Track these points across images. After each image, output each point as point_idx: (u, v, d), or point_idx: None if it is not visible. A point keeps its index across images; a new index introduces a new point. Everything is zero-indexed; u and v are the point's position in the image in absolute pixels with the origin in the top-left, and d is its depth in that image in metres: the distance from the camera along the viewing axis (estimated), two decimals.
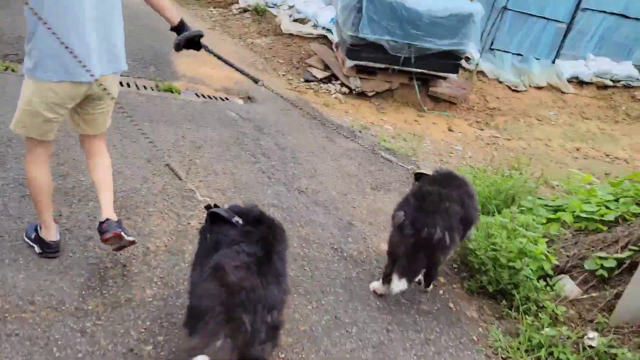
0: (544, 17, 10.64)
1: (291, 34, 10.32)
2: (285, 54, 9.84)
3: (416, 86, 8.71)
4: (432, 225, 3.08)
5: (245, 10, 12.09)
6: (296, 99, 8.02)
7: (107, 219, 2.89)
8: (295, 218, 4.43)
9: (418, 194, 3.27)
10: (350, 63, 8.46)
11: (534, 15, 10.60)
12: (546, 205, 4.61)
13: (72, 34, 2.56)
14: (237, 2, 12.63)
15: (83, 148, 3.12)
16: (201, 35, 3.07)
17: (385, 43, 8.12)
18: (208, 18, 11.83)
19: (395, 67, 8.51)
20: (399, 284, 3.16)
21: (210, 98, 7.45)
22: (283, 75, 9.07)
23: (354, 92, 8.59)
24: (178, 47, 3.04)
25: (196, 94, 7.50)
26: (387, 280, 3.36)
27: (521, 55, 10.90)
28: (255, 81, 3.52)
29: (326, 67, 9.10)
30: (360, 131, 7.18)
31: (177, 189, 4.36)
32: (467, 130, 8.42)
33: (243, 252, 2.21)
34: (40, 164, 2.82)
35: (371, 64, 8.52)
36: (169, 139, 5.39)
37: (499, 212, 4.37)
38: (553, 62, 11.01)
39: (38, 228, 3.03)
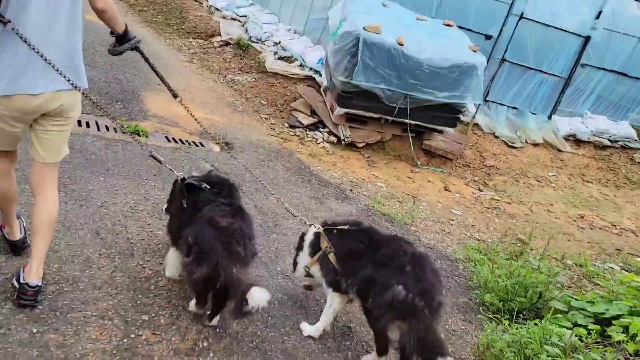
0: (542, 71, 10.17)
1: (276, 73, 9.55)
2: (268, 94, 9.04)
3: (411, 139, 7.97)
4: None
5: (226, 44, 11.31)
6: (279, 148, 7.18)
7: (28, 285, 2.76)
8: (280, 323, 3.47)
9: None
10: (340, 111, 7.70)
11: (532, 68, 10.11)
12: (582, 310, 3.80)
13: (21, 54, 2.57)
14: (219, 35, 11.86)
15: (31, 180, 2.92)
16: (139, 41, 3.20)
17: (380, 92, 7.40)
18: (186, 50, 11.00)
19: (389, 117, 7.78)
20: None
21: (183, 143, 6.54)
22: (266, 118, 8.23)
23: (343, 142, 7.80)
24: (115, 54, 3.19)
25: (167, 138, 6.58)
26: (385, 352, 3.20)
27: (516, 108, 10.36)
28: (175, 96, 3.68)
29: (313, 113, 8.32)
30: (351, 190, 6.35)
31: (130, 276, 3.40)
32: (464, 190, 7.69)
33: (222, 205, 3.08)
34: (2, 174, 2.88)
35: (363, 113, 7.78)
36: (126, 201, 4.43)
37: (523, 311, 3.54)
38: (549, 117, 10.50)
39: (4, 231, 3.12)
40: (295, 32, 11.34)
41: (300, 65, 9.84)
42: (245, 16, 12.75)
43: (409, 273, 2.90)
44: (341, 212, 5.55)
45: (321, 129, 8.13)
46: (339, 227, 3.30)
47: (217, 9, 13.82)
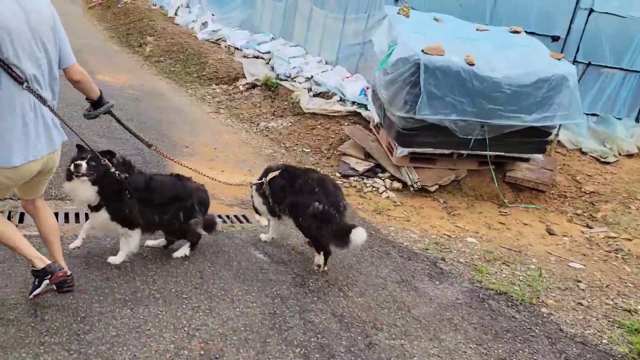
0: (622, 69, 8.64)
1: (314, 113, 8.28)
2: (310, 139, 7.76)
3: (493, 174, 6.54)
4: None
5: (253, 86, 10.16)
6: None
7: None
8: None
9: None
10: (402, 152, 6.34)
11: (610, 67, 8.60)
12: None
13: (19, 119, 2.76)
14: (243, 77, 10.73)
15: (27, 209, 3.30)
16: (112, 106, 3.37)
17: (451, 124, 6.04)
18: (211, 99, 9.89)
19: (464, 152, 6.38)
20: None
21: (224, 220, 5.28)
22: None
23: (411, 189, 6.41)
24: (90, 117, 3.37)
25: None
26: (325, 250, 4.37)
27: (597, 115, 8.83)
28: (149, 146, 3.81)
29: (367, 156, 6.99)
30: (442, 259, 4.95)
31: None
32: (571, 229, 6.19)
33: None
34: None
35: (431, 151, 6.40)
36: (163, 343, 3.14)
37: None
38: (637, 120, 8.91)
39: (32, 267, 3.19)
40: (327, 63, 10.11)
41: (341, 100, 8.56)
42: (269, 52, 11.63)
43: (319, 192, 4.11)
44: (443, 300, 4.14)
45: (380, 174, 6.78)
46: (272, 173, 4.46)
47: (237, 49, 12.78)
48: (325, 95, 8.86)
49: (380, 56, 6.58)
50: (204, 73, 11.35)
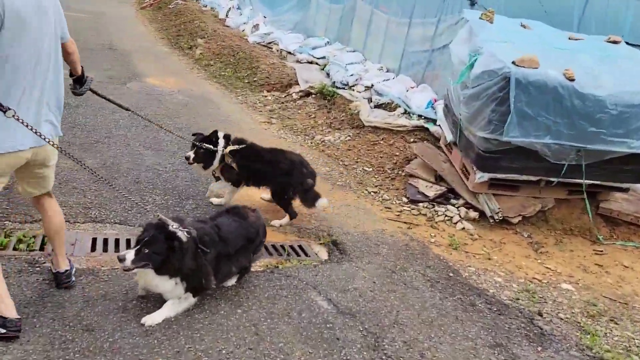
0: None
1: (376, 127, 7.54)
2: (371, 156, 7.03)
3: (588, 205, 5.64)
4: None
5: (307, 94, 9.51)
6: (407, 242, 5.11)
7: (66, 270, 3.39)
8: None
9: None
10: (482, 177, 5.53)
11: None
12: None
13: (22, 107, 2.80)
14: (297, 84, 10.11)
15: (36, 206, 3.39)
16: (92, 80, 3.64)
17: (543, 148, 5.20)
18: (262, 106, 9.30)
19: (554, 179, 5.51)
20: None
21: (279, 252, 4.63)
22: (375, 192, 6.21)
23: (492, 220, 5.59)
24: (78, 94, 3.61)
25: None
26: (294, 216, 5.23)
27: None
28: (127, 109, 4.17)
29: (438, 179, 6.20)
30: (539, 314, 4.13)
31: None
32: None
33: None
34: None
35: (516, 177, 5.57)
36: None
37: None
38: None
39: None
40: (388, 71, 9.37)
41: (405, 113, 7.79)
42: (324, 57, 10.99)
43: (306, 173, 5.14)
44: None
45: (453, 200, 5.99)
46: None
47: (290, 53, 12.20)
48: (387, 106, 8.12)
49: (459, 67, 5.79)
50: (255, 78, 10.80)
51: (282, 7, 14.74)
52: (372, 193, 6.20)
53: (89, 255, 4.01)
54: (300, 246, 4.89)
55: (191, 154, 4.96)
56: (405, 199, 6.07)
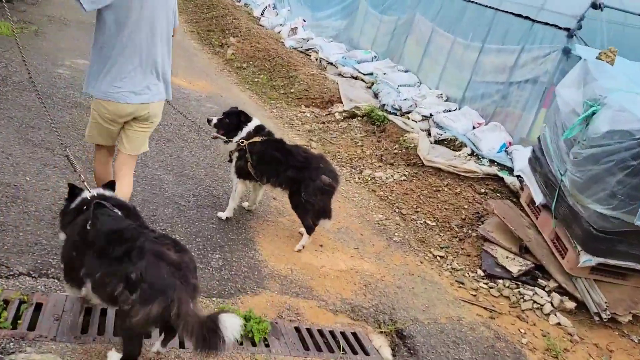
0: None
1: (439, 169, 6.34)
2: (433, 206, 5.83)
3: None
4: None
5: (352, 116, 8.34)
6: (490, 339, 3.90)
7: None
8: None
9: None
10: (589, 260, 4.32)
11: None
12: None
13: (129, 65, 3.19)
14: (339, 102, 8.94)
15: (115, 166, 3.60)
16: None
17: None
18: (299, 124, 8.13)
19: None
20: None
21: (329, 346, 3.45)
22: (442, 257, 5.01)
23: (597, 318, 4.36)
24: None
25: (297, 331, 3.54)
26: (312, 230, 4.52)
27: None
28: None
29: (523, 249, 4.98)
30: None
31: None
32: None
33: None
34: (102, 163, 3.62)
35: (632, 266, 4.34)
36: None
37: None
38: None
39: None
40: (448, 100, 8.17)
41: (473, 155, 6.58)
42: (371, 74, 9.80)
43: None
44: None
45: (541, 280, 4.77)
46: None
47: (331, 63, 11.04)
48: (450, 144, 6.92)
49: (569, 116, 4.58)
50: (292, 90, 9.64)
51: (324, 11, 13.61)
52: (438, 258, 5.00)
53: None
54: (355, 335, 3.71)
55: (215, 119, 4.54)
56: (480, 271, 4.85)
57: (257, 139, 4.37)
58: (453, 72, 8.22)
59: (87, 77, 3.27)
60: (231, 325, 2.40)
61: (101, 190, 3.04)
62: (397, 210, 5.75)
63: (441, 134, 7.02)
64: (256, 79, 10.32)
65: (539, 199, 5.11)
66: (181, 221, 4.40)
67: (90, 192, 2.95)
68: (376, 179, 6.41)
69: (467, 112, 7.34)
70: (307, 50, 12.40)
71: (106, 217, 2.73)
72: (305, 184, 4.20)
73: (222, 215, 4.56)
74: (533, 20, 6.71)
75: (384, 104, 8.38)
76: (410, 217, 5.63)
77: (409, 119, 7.70)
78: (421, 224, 5.54)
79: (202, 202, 4.80)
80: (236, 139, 4.42)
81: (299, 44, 12.77)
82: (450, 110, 7.63)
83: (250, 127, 4.45)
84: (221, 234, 4.40)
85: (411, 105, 7.98)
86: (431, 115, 7.56)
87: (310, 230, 4.41)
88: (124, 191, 3.42)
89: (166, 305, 2.39)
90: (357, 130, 7.90)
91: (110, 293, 2.50)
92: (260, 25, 14.65)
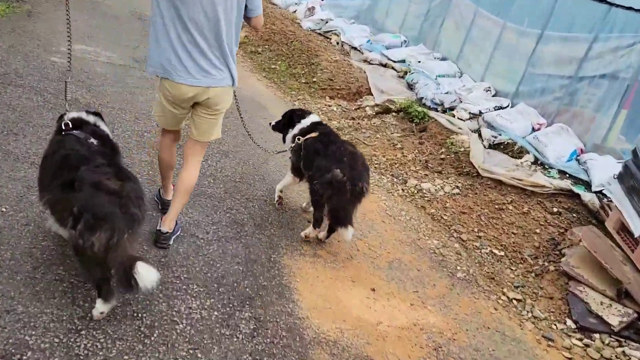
0: None
1: (499, 181, 5.34)
2: (498, 229, 4.86)
3: None
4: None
5: (386, 110, 7.31)
6: None
7: (160, 231, 3.41)
8: None
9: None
10: None
11: None
12: None
13: (188, 46, 3.00)
14: (369, 93, 7.92)
15: (184, 151, 3.46)
16: None
17: None
18: (326, 120, 7.07)
19: None
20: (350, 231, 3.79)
21: None
22: (518, 301, 4.06)
23: None
24: None
25: None
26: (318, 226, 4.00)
27: None
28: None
29: (622, 294, 4.00)
30: None
31: None
32: None
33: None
34: (166, 147, 3.52)
35: None
36: None
37: None
38: None
39: (161, 191, 3.84)
40: (496, 94, 7.13)
41: (538, 164, 5.58)
42: (403, 61, 8.74)
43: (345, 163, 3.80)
44: None
45: None
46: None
47: (354, 48, 9.96)
48: (508, 149, 5.91)
49: None
50: (314, 79, 8.60)
51: None
52: (514, 302, 4.04)
53: None
54: None
55: (273, 122, 4.59)
56: (570, 322, 3.90)
57: (311, 135, 4.09)
58: (502, 61, 7.16)
59: (148, 56, 3.12)
60: (145, 276, 2.44)
61: (80, 115, 3.09)
62: (455, 234, 4.78)
63: (495, 137, 6.00)
64: (273, 66, 9.27)
65: (637, 229, 4.12)
66: (199, 262, 3.44)
67: (69, 115, 3.02)
68: (424, 191, 5.42)
69: (524, 110, 6.31)
70: (327, 32, 11.32)
71: (67, 141, 2.79)
72: (320, 173, 3.85)
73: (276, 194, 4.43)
74: (610, 4, 5.63)
75: (422, 98, 7.36)
76: (472, 244, 4.66)
77: (454, 116, 6.68)
78: (486, 253, 4.57)
79: (224, 233, 3.84)
80: (290, 135, 4.28)
81: (317, 25, 11.70)
82: (502, 107, 6.60)
83: (305, 123, 4.23)
84: (250, 278, 3.44)
85: (454, 100, 6.95)
86: (480, 112, 6.54)
87: (315, 222, 3.98)
88: (188, 179, 3.40)
89: (112, 233, 2.42)
90: (392, 128, 6.89)
91: (61, 221, 2.58)
92: (273, 4, 13.53)
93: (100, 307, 2.63)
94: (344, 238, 3.87)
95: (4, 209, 3.32)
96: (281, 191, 4.43)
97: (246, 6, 3.12)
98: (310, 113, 4.40)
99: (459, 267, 4.33)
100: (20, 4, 8.27)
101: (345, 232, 3.79)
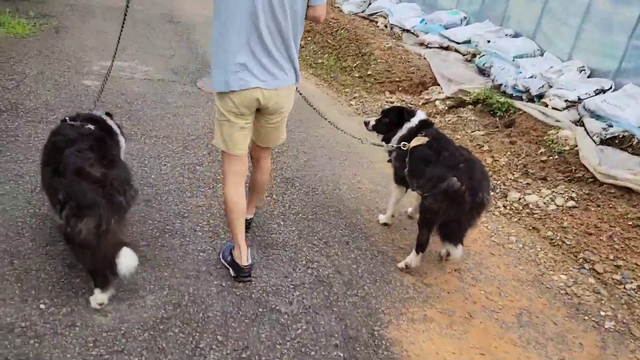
0: None
1: (629, 189, 4.34)
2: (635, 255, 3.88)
3: None
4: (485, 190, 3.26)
5: (460, 104, 6.34)
6: None
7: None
8: None
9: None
10: None
11: None
12: None
13: (245, 51, 2.63)
14: (434, 83, 6.96)
15: (251, 154, 3.17)
16: None
17: None
18: None
19: None
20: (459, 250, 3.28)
21: None
22: None
23: None
24: None
25: None
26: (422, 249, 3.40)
27: None
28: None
29: None
30: None
31: None
32: None
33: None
34: (235, 184, 2.92)
35: None
36: None
37: None
38: None
39: (233, 252, 3.05)
40: (590, 74, 6.04)
41: None
42: (468, 42, 7.69)
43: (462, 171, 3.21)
44: None
45: None
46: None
47: (406, 30, 8.94)
48: (626, 143, 4.88)
49: None
50: (368, 72, 7.69)
51: None
52: None
53: None
54: None
55: (372, 120, 3.95)
56: None
57: (420, 139, 3.53)
58: (596, 35, 6.06)
59: (213, 67, 2.77)
60: (124, 263, 2.42)
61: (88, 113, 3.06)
62: (585, 264, 3.85)
63: (606, 129, 4.98)
64: (320, 60, 8.41)
65: None
66: (288, 351, 2.67)
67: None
68: (531, 206, 4.49)
69: (635, 93, 5.23)
70: (371, 15, 10.33)
71: (61, 128, 2.81)
72: (432, 183, 3.30)
73: (381, 218, 3.99)
74: None
75: (500, 85, 6.35)
76: (611, 278, 3.72)
77: (546, 105, 5.65)
78: (633, 289, 3.63)
79: (310, 300, 3.06)
80: (396, 137, 3.69)
81: (359, 7, 10.73)
82: (603, 90, 5.54)
83: (412, 123, 3.68)
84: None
85: (542, 86, 5.92)
86: (579, 99, 5.50)
87: (419, 246, 3.41)
88: (263, 180, 3.31)
89: (99, 220, 2.38)
90: (472, 125, 5.93)
91: (54, 207, 2.58)
92: None
93: (99, 297, 2.60)
94: (452, 257, 3.45)
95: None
96: (393, 215, 3.93)
97: None
98: (416, 110, 3.83)
99: (602, 313, 3.42)
100: (47, 19, 7.70)
101: (455, 250, 3.33)
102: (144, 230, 3.38)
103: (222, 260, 3.17)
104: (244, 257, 3.00)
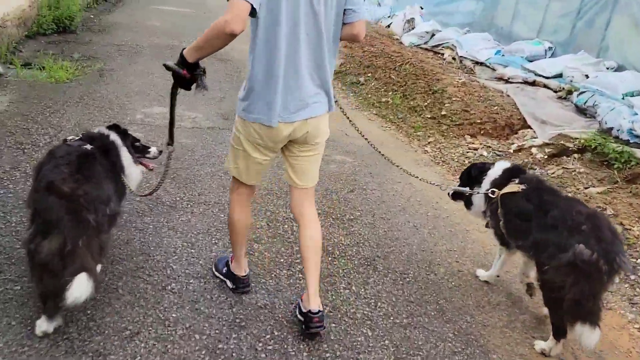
0: None
1: None
2: None
3: None
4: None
5: (560, 152, 5.27)
6: None
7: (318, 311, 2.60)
8: None
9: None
10: None
11: None
12: None
13: (280, 80, 2.34)
14: (524, 125, 5.92)
15: (292, 206, 2.79)
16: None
17: None
18: None
19: None
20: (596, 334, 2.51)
21: None
22: None
23: None
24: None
25: None
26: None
27: None
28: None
29: None
30: None
31: None
32: None
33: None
34: (241, 205, 2.75)
35: None
36: None
37: None
38: None
39: (229, 262, 2.94)
40: None
41: None
42: (560, 76, 6.62)
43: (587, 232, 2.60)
44: None
45: None
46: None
47: (480, 63, 7.97)
48: None
49: None
50: (442, 112, 6.71)
51: None
52: None
53: None
54: None
55: (450, 190, 3.49)
56: None
57: (513, 187, 2.99)
58: None
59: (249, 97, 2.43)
60: (73, 292, 2.11)
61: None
62: None
63: None
64: (384, 99, 7.52)
65: None
66: None
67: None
68: None
69: None
70: (435, 47, 9.45)
71: (55, 148, 2.63)
72: (549, 253, 2.67)
73: (481, 274, 3.43)
74: None
75: (611, 128, 5.25)
76: None
77: None
78: None
79: None
80: (478, 203, 3.26)
81: (421, 39, 9.89)
82: None
83: (494, 173, 3.19)
84: None
85: None
86: None
87: (557, 331, 2.72)
88: (316, 238, 2.68)
89: (62, 241, 2.16)
90: (584, 179, 4.85)
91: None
92: None
93: (44, 326, 2.32)
94: (585, 343, 2.54)
95: None
96: (498, 276, 3.38)
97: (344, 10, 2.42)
98: (492, 163, 3.37)
99: None
100: (92, 61, 7.16)
101: (590, 333, 2.50)
102: (188, 351, 2.48)
103: (216, 273, 2.99)
104: (242, 267, 2.88)
